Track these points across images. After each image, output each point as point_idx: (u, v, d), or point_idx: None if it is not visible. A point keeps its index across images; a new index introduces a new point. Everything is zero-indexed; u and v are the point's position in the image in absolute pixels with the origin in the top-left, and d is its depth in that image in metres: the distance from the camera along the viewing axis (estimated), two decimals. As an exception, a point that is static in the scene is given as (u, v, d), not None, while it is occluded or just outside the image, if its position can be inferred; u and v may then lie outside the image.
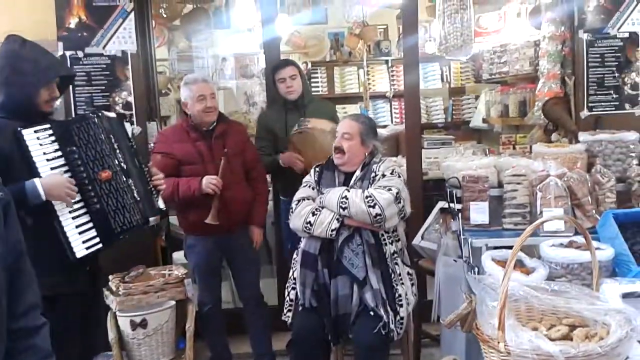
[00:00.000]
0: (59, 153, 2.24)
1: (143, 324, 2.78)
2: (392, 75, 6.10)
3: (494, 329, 1.64)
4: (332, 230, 2.59)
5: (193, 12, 5.27)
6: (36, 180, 2.13)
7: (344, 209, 2.57)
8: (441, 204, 2.92)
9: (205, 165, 3.07)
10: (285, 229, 3.61)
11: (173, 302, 2.92)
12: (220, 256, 3.27)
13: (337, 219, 2.60)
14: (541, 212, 2.50)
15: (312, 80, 5.97)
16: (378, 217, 2.55)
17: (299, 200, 2.74)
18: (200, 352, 3.28)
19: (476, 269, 2.35)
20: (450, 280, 2.66)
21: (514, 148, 5.00)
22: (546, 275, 1.96)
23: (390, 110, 6.10)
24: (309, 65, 6.01)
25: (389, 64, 6.11)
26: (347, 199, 2.58)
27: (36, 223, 2.19)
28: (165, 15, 5.20)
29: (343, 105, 5.95)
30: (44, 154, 2.20)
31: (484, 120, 5.75)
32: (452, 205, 2.59)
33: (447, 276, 2.67)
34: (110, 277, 2.83)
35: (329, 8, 6.03)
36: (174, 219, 3.88)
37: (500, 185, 2.67)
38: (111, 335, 2.78)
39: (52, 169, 2.20)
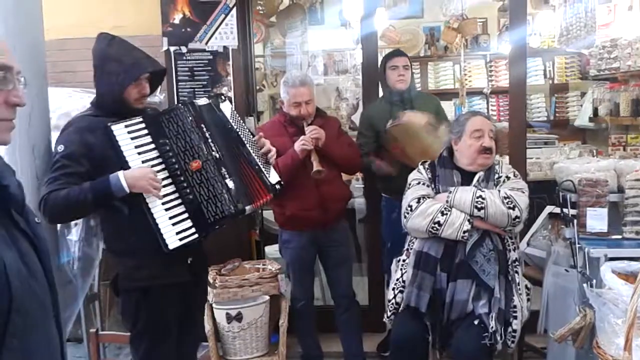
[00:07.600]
0: (152, 146, 2.20)
1: (238, 317, 2.81)
2: (491, 71, 5.86)
3: (618, 348, 1.51)
4: (464, 232, 2.43)
5: (289, 8, 5.30)
6: (120, 173, 2.09)
7: (479, 209, 2.42)
8: (550, 209, 2.73)
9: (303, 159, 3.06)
10: (386, 228, 3.52)
11: (267, 297, 2.92)
12: (314, 252, 3.24)
13: (469, 220, 2.44)
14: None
15: (406, 76, 5.83)
16: (517, 220, 2.42)
17: (419, 198, 2.56)
18: (292, 348, 3.27)
19: (593, 281, 2.17)
20: (560, 291, 2.48)
21: (625, 149, 4.64)
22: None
23: (487, 108, 5.87)
24: (403, 61, 5.88)
25: (487, 59, 5.87)
26: (483, 198, 2.43)
27: (132, 214, 2.18)
28: (262, 12, 5.25)
29: (437, 102, 5.78)
30: (136, 147, 2.16)
31: (590, 119, 5.38)
32: (565, 210, 2.41)
33: (557, 287, 2.50)
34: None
35: (425, 1, 5.88)
36: (267, 214, 3.91)
37: (620, 190, 2.48)
38: (207, 327, 2.81)
39: (143, 162, 2.16)
